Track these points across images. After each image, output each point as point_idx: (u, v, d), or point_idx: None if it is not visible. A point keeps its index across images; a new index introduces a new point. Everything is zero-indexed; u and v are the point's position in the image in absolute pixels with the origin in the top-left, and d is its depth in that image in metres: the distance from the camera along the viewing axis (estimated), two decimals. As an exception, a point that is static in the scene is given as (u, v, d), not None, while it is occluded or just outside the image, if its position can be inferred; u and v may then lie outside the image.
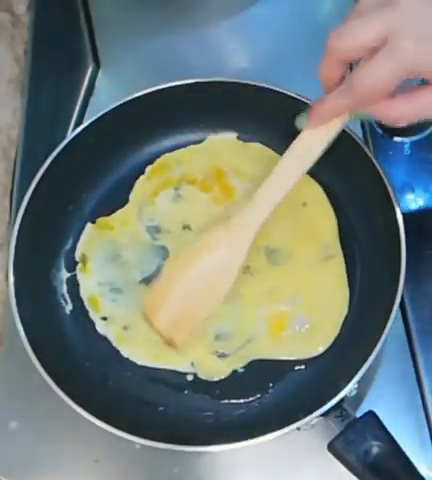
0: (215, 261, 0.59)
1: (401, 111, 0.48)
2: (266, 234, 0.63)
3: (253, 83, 0.65)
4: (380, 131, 0.67)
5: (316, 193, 0.65)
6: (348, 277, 0.62)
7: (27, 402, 0.62)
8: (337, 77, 0.50)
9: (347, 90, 0.49)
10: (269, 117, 0.66)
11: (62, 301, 0.63)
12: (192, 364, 0.60)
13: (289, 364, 0.59)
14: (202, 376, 0.60)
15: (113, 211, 0.66)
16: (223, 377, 0.59)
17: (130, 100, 0.65)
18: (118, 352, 0.61)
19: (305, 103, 0.63)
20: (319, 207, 0.65)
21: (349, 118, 0.53)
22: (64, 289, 0.64)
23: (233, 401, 0.59)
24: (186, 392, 0.60)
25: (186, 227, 0.65)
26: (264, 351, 0.60)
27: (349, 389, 0.53)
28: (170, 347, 0.60)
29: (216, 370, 0.60)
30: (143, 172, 0.68)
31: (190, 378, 0.60)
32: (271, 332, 0.60)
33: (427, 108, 0.48)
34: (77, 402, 0.54)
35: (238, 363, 0.60)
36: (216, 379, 0.59)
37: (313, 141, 0.54)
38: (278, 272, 0.62)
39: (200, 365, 0.60)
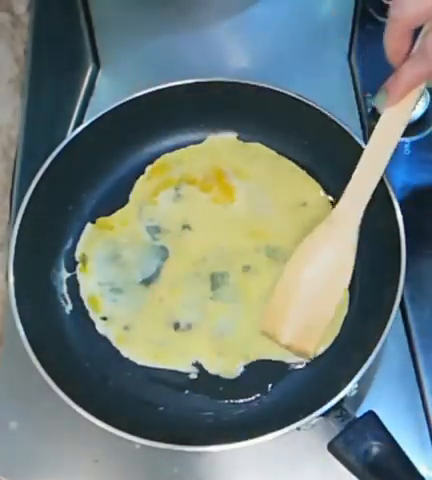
0: (327, 258, 0.58)
1: None
2: (267, 234, 0.64)
3: (253, 83, 0.65)
4: (380, 131, 0.67)
5: (316, 193, 0.65)
6: (348, 277, 0.62)
7: (27, 402, 0.62)
8: (406, 47, 0.49)
9: (422, 57, 0.48)
10: (269, 117, 0.66)
11: (62, 301, 0.63)
12: (196, 364, 0.60)
13: (289, 364, 0.59)
14: (204, 372, 0.60)
15: (113, 211, 0.66)
16: (228, 378, 0.59)
17: (130, 100, 0.65)
18: (118, 352, 0.61)
19: (305, 103, 0.63)
20: (319, 207, 0.65)
21: (425, 86, 0.52)
22: (64, 289, 0.64)
23: (233, 401, 0.59)
24: (186, 392, 0.60)
25: (186, 227, 0.65)
26: (265, 350, 0.60)
27: (349, 389, 0.53)
28: (302, 357, 0.59)
29: (216, 370, 0.60)
30: (143, 172, 0.68)
31: (193, 376, 0.60)
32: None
33: None
34: (77, 402, 0.54)
35: (239, 363, 0.60)
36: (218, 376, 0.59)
37: (396, 118, 0.54)
38: (279, 271, 0.62)
39: (200, 365, 0.60)
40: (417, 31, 0.50)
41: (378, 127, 0.55)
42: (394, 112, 0.53)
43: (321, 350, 0.59)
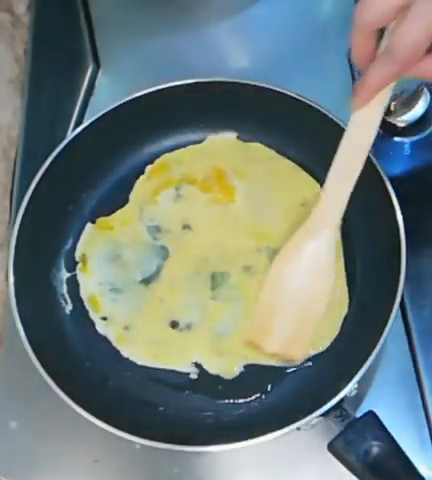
0: (308, 264, 0.58)
1: None
2: (267, 234, 0.64)
3: (253, 83, 0.65)
4: (380, 131, 0.67)
5: (316, 193, 0.65)
6: (348, 277, 0.62)
7: (27, 402, 0.62)
8: (371, 49, 0.49)
9: (388, 57, 0.48)
10: (269, 117, 0.66)
11: (62, 301, 0.63)
12: (195, 363, 0.60)
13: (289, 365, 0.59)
14: (204, 372, 0.60)
15: (113, 211, 0.66)
16: (228, 378, 0.59)
17: (130, 100, 0.65)
18: (118, 352, 0.61)
19: (305, 104, 0.63)
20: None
21: (393, 87, 0.51)
22: (64, 289, 0.64)
23: (233, 401, 0.59)
24: (186, 392, 0.60)
25: (186, 227, 0.65)
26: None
27: (349, 389, 0.53)
28: (290, 363, 0.59)
29: (216, 370, 0.60)
30: (143, 172, 0.68)
31: (193, 376, 0.60)
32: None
33: None
34: (77, 402, 0.54)
35: (239, 363, 0.60)
36: (218, 376, 0.59)
37: (366, 119, 0.53)
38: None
39: (200, 365, 0.60)
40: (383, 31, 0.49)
41: (349, 129, 0.54)
42: (364, 113, 0.53)
43: (321, 350, 0.59)
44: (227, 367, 0.60)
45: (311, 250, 0.58)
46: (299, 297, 0.58)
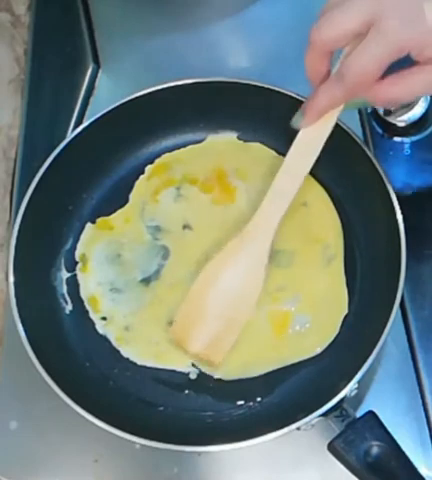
0: (237, 274, 0.59)
1: (393, 93, 0.48)
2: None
3: (253, 83, 0.65)
4: (380, 131, 0.67)
5: (317, 193, 0.65)
6: (348, 277, 0.62)
7: (27, 402, 0.62)
8: (324, 70, 0.50)
9: (338, 80, 0.48)
10: (269, 117, 0.66)
11: (62, 301, 0.63)
12: (192, 364, 0.60)
13: (289, 364, 0.59)
14: (207, 371, 0.60)
15: (113, 211, 0.66)
16: (226, 378, 0.59)
17: (130, 100, 0.65)
18: (118, 352, 0.61)
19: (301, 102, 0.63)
20: (320, 207, 0.65)
21: (343, 108, 0.52)
22: (64, 289, 0.64)
23: (233, 401, 0.59)
24: (186, 392, 0.60)
25: (187, 227, 0.65)
26: (264, 351, 0.60)
27: (349, 389, 0.53)
28: (208, 366, 0.59)
29: (216, 370, 0.60)
30: (143, 172, 0.68)
31: (193, 376, 0.60)
32: (272, 332, 0.60)
33: (419, 87, 0.48)
34: (77, 402, 0.54)
35: (238, 363, 0.60)
36: (217, 376, 0.59)
37: (311, 138, 0.54)
38: (279, 272, 0.62)
39: (200, 366, 0.60)
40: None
41: (294, 147, 0.55)
42: (311, 132, 0.54)
43: (321, 350, 0.60)
44: (227, 367, 0.60)
45: (242, 259, 0.59)
46: (225, 303, 0.59)
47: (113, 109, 0.65)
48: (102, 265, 0.64)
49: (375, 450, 0.51)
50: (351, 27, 0.46)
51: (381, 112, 0.66)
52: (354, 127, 0.63)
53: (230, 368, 0.60)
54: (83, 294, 0.63)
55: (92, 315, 0.63)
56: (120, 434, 0.53)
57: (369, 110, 0.68)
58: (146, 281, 0.63)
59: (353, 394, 0.54)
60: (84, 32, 0.77)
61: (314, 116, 0.53)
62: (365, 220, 0.63)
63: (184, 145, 0.69)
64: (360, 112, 0.69)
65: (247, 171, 0.67)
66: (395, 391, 0.59)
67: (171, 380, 0.60)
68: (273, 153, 0.67)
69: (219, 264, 0.59)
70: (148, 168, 0.68)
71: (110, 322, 0.62)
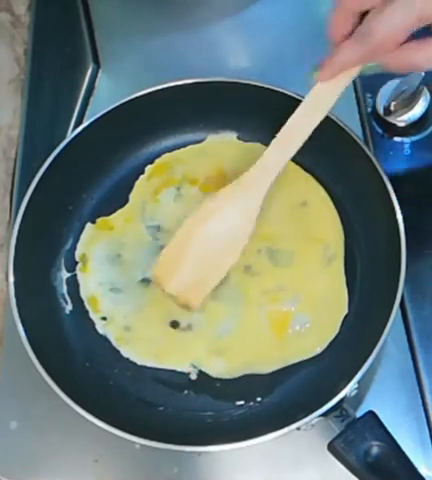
0: (227, 220, 0.58)
1: (413, 59, 0.48)
2: (267, 234, 0.64)
3: (253, 83, 0.65)
4: (380, 131, 0.67)
5: (316, 192, 0.65)
6: (348, 277, 0.62)
7: (27, 402, 0.62)
8: (349, 29, 0.50)
9: (362, 40, 0.48)
10: (269, 117, 0.66)
11: (62, 301, 0.63)
12: (192, 365, 0.60)
13: (289, 364, 0.59)
14: (204, 372, 0.60)
15: (113, 211, 0.66)
16: (226, 378, 0.59)
17: (130, 100, 0.65)
18: (118, 352, 0.61)
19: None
20: (320, 206, 0.65)
21: (358, 71, 0.52)
22: (64, 289, 0.64)
23: (233, 401, 0.59)
24: (186, 392, 0.60)
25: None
26: (264, 351, 0.60)
27: (349, 389, 0.53)
28: (185, 309, 0.59)
29: (216, 370, 0.60)
30: (143, 172, 0.68)
31: (193, 376, 0.60)
32: (272, 332, 0.60)
33: None
34: (77, 402, 0.54)
35: (238, 363, 0.60)
36: (218, 377, 0.59)
37: (323, 95, 0.54)
38: (279, 272, 0.62)
39: (200, 366, 0.60)
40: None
41: (307, 99, 0.55)
42: (325, 88, 0.53)
43: (321, 350, 0.60)
44: (227, 367, 0.60)
45: (234, 206, 0.58)
46: (209, 249, 0.58)
47: (113, 109, 0.65)
48: (102, 265, 0.64)
49: (375, 450, 0.51)
50: None
51: (381, 112, 0.66)
52: (354, 127, 0.63)
53: (230, 368, 0.60)
54: (83, 294, 0.63)
55: (92, 315, 0.63)
56: (120, 434, 0.53)
57: (369, 110, 0.68)
58: (146, 281, 0.63)
59: (353, 394, 0.54)
60: (84, 32, 0.77)
61: (332, 71, 0.52)
62: (365, 220, 0.63)
63: (184, 145, 0.69)
64: (360, 112, 0.69)
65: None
66: (395, 391, 0.59)
67: (171, 380, 0.60)
68: (273, 153, 0.67)
69: (209, 208, 0.58)
70: (148, 168, 0.68)
71: (110, 322, 0.62)
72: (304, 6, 0.76)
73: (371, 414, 0.53)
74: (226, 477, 0.60)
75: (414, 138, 0.67)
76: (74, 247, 0.65)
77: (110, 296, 0.63)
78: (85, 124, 0.65)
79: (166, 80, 0.65)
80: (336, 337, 0.60)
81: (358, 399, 0.58)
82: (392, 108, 0.66)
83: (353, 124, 0.63)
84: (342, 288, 0.61)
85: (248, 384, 0.59)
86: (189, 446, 0.53)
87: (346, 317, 0.61)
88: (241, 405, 0.59)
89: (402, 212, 0.58)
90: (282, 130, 0.56)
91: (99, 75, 0.75)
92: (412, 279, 0.60)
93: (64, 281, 0.64)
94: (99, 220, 0.66)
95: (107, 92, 0.75)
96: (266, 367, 0.59)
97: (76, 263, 0.65)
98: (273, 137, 0.67)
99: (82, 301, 0.63)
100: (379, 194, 0.60)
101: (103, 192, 0.67)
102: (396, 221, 0.58)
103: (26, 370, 0.56)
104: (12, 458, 0.61)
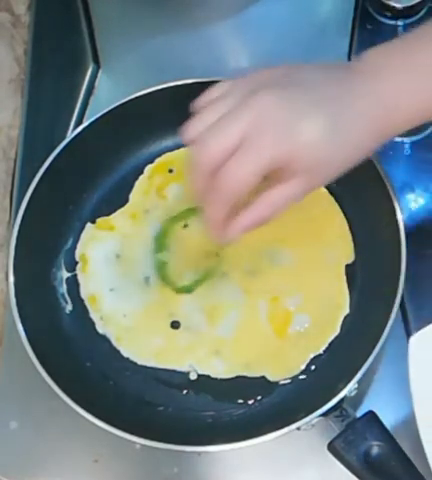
0: None
1: (254, 218, 0.50)
2: (268, 234, 0.63)
3: (253, 83, 0.64)
4: (380, 131, 0.67)
5: (317, 192, 0.65)
6: (348, 277, 0.62)
7: (27, 402, 0.62)
8: (209, 186, 0.49)
9: (216, 194, 0.48)
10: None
11: (62, 301, 0.63)
12: (192, 365, 0.60)
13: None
14: (204, 372, 0.60)
15: (113, 211, 0.66)
16: (226, 377, 0.59)
17: (130, 100, 0.65)
18: (118, 352, 0.61)
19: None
20: (322, 206, 0.65)
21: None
22: (64, 289, 0.64)
23: (233, 401, 0.59)
24: (186, 392, 0.60)
25: (186, 226, 0.65)
26: (264, 351, 0.60)
27: (349, 389, 0.53)
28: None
29: (216, 371, 0.60)
30: (143, 172, 0.68)
31: (193, 376, 0.60)
32: (272, 332, 0.60)
33: (281, 203, 0.50)
34: (77, 402, 0.54)
35: (238, 363, 0.60)
36: (218, 377, 0.59)
37: None
38: (279, 272, 0.62)
39: (200, 366, 0.60)
40: None
41: None
42: None
43: (321, 350, 0.60)
44: (227, 367, 0.60)
45: None
46: None
47: (113, 109, 0.65)
48: (102, 265, 0.64)
49: (375, 450, 0.51)
50: (233, 143, 0.46)
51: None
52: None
53: (230, 368, 0.60)
54: (83, 294, 0.63)
55: (92, 315, 0.63)
56: (120, 434, 0.53)
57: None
58: (146, 281, 0.63)
59: (353, 394, 0.54)
60: (84, 32, 0.77)
61: (216, 227, 0.51)
62: (365, 220, 0.63)
63: (184, 145, 0.68)
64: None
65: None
66: (395, 391, 0.59)
67: (171, 380, 0.60)
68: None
69: None
70: (148, 168, 0.68)
71: (110, 322, 0.62)
72: (304, 6, 0.76)
73: (371, 414, 0.53)
74: (226, 477, 0.60)
75: (414, 138, 0.67)
76: (74, 247, 0.65)
77: (110, 296, 0.63)
78: (85, 124, 0.65)
79: (166, 80, 0.65)
80: (336, 337, 0.60)
81: (358, 399, 0.58)
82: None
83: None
84: (342, 288, 0.61)
85: (248, 384, 0.59)
86: (189, 446, 0.53)
87: (346, 317, 0.61)
88: (241, 405, 0.59)
89: (402, 212, 0.58)
90: None
91: (99, 75, 0.75)
92: (412, 279, 0.60)
93: (64, 281, 0.64)
94: (99, 220, 0.66)
95: (107, 92, 0.75)
96: (266, 367, 0.59)
97: (76, 263, 0.65)
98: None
99: (82, 301, 0.63)
100: (379, 194, 0.60)
101: (103, 192, 0.67)
102: (396, 221, 0.58)
103: (26, 370, 0.56)
104: (12, 458, 0.61)
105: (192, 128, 0.50)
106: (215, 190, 0.48)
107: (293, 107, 0.47)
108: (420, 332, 0.46)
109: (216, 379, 0.60)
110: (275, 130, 0.46)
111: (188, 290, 0.62)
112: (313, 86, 0.48)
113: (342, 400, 0.53)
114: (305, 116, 0.47)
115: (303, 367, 0.59)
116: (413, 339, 0.45)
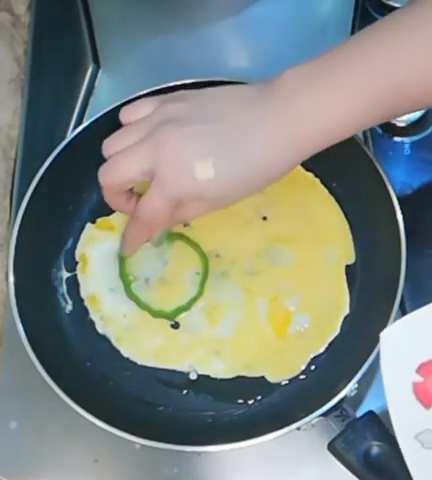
0: None
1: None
2: (268, 234, 0.64)
3: (253, 83, 0.64)
4: (380, 131, 0.67)
5: (317, 192, 0.65)
6: (348, 277, 0.62)
7: (27, 402, 0.62)
8: (124, 202, 0.55)
9: (135, 220, 0.55)
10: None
11: (62, 301, 0.63)
12: (192, 365, 0.60)
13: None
14: (204, 372, 0.60)
15: (113, 211, 0.66)
16: (226, 377, 0.59)
17: (130, 100, 0.65)
18: (118, 352, 0.61)
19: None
20: (322, 206, 0.65)
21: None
22: (64, 289, 0.64)
23: (233, 401, 0.59)
24: (186, 392, 0.60)
25: (186, 225, 0.65)
26: (264, 351, 0.60)
27: (349, 389, 0.53)
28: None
29: (216, 371, 0.60)
30: (143, 172, 0.68)
31: (193, 376, 0.60)
32: (272, 332, 0.60)
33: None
34: (77, 402, 0.54)
35: (238, 363, 0.60)
36: (218, 377, 0.59)
37: None
38: (279, 272, 0.62)
39: (200, 366, 0.60)
40: None
41: None
42: None
43: (321, 350, 0.60)
44: (227, 367, 0.60)
45: None
46: None
47: (113, 109, 0.65)
48: (102, 265, 0.64)
49: (375, 450, 0.51)
50: (132, 176, 0.52)
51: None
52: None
53: (230, 368, 0.60)
54: (83, 294, 0.63)
55: (92, 315, 0.63)
56: (120, 434, 0.53)
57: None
58: (146, 281, 0.63)
59: (353, 394, 0.54)
60: (84, 32, 0.77)
61: (132, 249, 0.60)
62: (365, 220, 0.63)
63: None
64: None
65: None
66: (395, 391, 0.59)
67: (171, 380, 0.60)
68: (273, 153, 0.67)
69: None
70: (148, 168, 0.68)
71: (110, 322, 0.62)
72: (304, 6, 0.76)
73: (371, 414, 0.53)
74: (226, 477, 0.60)
75: (414, 138, 0.67)
76: (74, 247, 0.65)
77: (110, 296, 0.63)
78: (85, 124, 0.65)
79: (166, 80, 0.65)
80: (336, 337, 0.60)
81: (358, 399, 0.58)
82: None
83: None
84: (342, 288, 0.61)
85: (248, 384, 0.59)
86: (189, 446, 0.53)
87: (346, 317, 0.61)
88: (241, 405, 0.59)
89: (402, 212, 0.58)
90: None
91: (99, 75, 0.75)
92: (412, 279, 0.60)
93: (64, 281, 0.64)
94: (99, 220, 0.66)
95: (107, 92, 0.75)
96: (266, 367, 0.59)
97: (76, 263, 0.65)
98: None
99: (82, 301, 0.63)
100: (379, 194, 0.60)
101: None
102: (396, 221, 0.58)
103: (26, 370, 0.56)
104: (12, 458, 0.61)
105: (111, 145, 0.54)
106: (133, 216, 0.55)
107: (195, 148, 0.50)
108: (389, 328, 0.47)
109: (216, 379, 0.60)
110: (175, 170, 0.50)
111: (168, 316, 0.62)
112: (223, 118, 0.51)
113: (342, 400, 0.53)
114: (206, 156, 0.49)
115: (303, 367, 0.59)
116: (383, 335, 0.46)
